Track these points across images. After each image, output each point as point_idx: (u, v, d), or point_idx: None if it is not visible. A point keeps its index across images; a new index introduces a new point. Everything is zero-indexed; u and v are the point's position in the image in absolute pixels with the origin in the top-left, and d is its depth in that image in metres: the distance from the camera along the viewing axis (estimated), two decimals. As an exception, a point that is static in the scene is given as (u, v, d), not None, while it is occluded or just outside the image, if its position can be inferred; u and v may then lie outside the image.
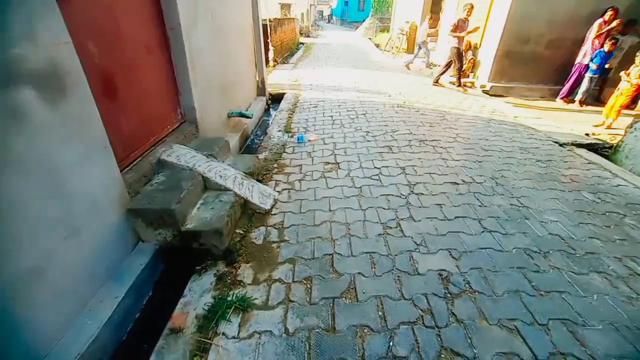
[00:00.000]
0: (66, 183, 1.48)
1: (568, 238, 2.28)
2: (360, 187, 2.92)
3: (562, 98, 6.42)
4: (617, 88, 4.98)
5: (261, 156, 3.67)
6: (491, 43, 7.24)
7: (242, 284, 1.95)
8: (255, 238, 2.31)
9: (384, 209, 2.60)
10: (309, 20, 28.15)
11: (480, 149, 3.84)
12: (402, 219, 2.46)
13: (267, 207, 2.62)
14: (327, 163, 3.44)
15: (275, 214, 2.58)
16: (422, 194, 2.80)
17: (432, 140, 4.02)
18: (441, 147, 3.82)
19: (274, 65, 9.22)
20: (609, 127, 4.95)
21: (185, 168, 2.45)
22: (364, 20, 25.22)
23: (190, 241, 2.11)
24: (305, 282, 1.93)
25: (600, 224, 2.46)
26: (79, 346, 1.48)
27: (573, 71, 6.19)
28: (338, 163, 3.43)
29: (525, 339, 1.57)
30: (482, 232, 2.32)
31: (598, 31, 5.70)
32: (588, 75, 5.88)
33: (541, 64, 6.98)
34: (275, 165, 3.42)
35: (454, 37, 6.69)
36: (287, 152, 3.77)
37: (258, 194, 2.68)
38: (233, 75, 4.26)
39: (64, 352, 1.43)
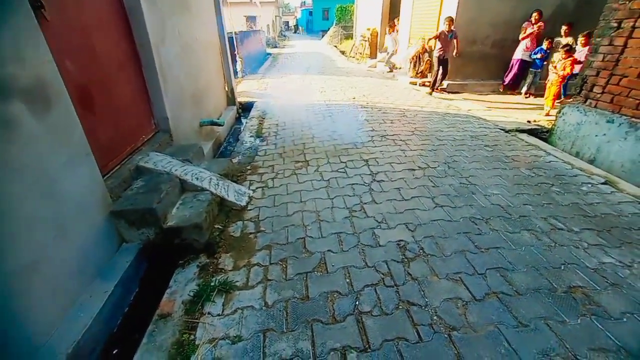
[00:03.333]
0: (54, 186, 1.64)
1: (506, 206, 2.67)
2: (328, 180, 3.20)
3: (503, 86, 7.16)
4: (547, 80, 5.65)
5: (235, 160, 3.88)
6: (443, 45, 7.87)
7: (223, 271, 2.14)
8: (234, 231, 2.52)
9: (350, 196, 2.89)
10: (275, 32, 28.61)
11: (436, 139, 4.26)
12: (365, 203, 2.76)
13: (243, 203, 2.83)
14: (297, 162, 3.70)
15: (250, 209, 2.79)
16: (383, 181, 3.13)
17: (393, 135, 4.39)
18: (400, 140, 4.19)
19: (243, 76, 9.44)
20: (547, 115, 5.58)
21: (163, 173, 2.62)
22: (328, 29, 26.00)
23: (172, 237, 2.28)
24: (281, 262, 2.16)
25: (532, 193, 2.88)
26: (75, 335, 1.62)
27: (510, 65, 6.95)
28: (307, 161, 3.70)
29: (467, 286, 1.89)
30: (435, 207, 2.66)
31: (524, 32, 6.42)
32: (532, 69, 6.59)
33: (489, 62, 7.69)
34: (249, 167, 3.63)
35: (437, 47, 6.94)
36: (259, 155, 3.99)
37: (233, 193, 2.88)
38: (203, 87, 4.45)
39: (61, 340, 1.57)
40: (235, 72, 9.19)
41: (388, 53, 10.73)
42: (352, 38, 18.76)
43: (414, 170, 3.34)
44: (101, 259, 2.02)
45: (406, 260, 2.11)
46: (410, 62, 8.85)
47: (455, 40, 6.88)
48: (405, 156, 3.70)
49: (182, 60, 3.64)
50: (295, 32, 48.38)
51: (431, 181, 3.10)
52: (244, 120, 6.04)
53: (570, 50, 5.34)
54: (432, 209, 2.64)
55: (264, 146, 4.30)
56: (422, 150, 3.88)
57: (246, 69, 8.64)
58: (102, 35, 2.42)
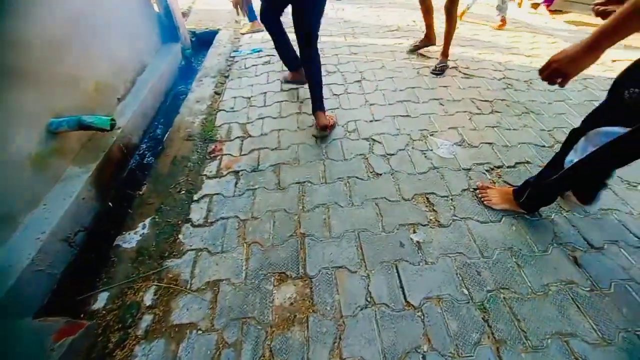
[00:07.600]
0: None
1: None
2: None
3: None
4: None
5: (130, 244, 1.55)
6: None
7: None
8: None
9: None
10: None
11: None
12: None
13: None
14: (283, 276, 1.37)
15: None
16: None
17: (509, 167, 1.88)
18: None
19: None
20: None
21: None
22: None
23: None
24: None
25: None
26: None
27: None
28: (311, 288, 1.35)
29: None
30: None
31: None
32: None
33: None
34: (155, 286, 1.32)
35: None
36: (194, 215, 1.62)
37: None
38: (59, 32, 1.73)
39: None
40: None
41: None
42: None
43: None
44: None
45: None
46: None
47: None
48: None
49: None
50: None
51: None
52: (197, 68, 3.28)
53: None
54: None
55: (211, 180, 1.87)
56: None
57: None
58: None
